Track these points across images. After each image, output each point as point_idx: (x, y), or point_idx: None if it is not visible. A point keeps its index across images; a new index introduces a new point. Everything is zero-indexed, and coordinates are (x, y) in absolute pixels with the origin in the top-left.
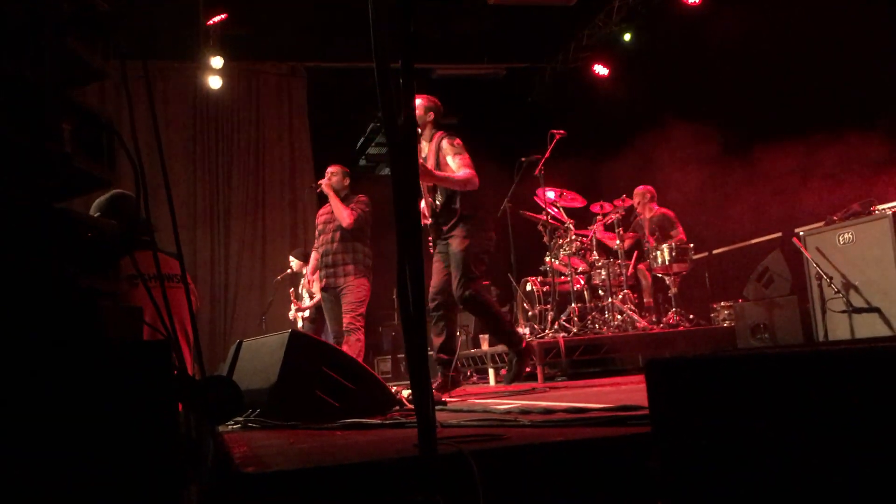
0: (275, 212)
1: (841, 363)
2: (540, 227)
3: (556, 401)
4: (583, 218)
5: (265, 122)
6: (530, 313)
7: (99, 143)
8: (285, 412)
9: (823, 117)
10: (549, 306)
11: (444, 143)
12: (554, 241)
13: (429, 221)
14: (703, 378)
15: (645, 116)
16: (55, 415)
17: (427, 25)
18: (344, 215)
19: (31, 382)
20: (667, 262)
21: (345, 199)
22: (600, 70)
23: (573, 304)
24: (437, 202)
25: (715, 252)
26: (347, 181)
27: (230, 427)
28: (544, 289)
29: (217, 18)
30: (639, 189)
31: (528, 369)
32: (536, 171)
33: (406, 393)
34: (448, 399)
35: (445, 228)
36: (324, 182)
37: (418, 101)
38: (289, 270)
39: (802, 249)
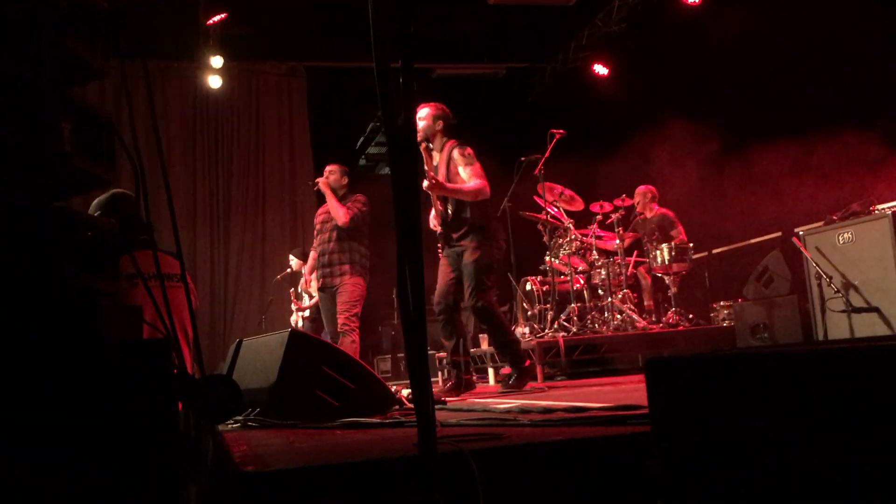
0: (274, 211)
1: (840, 362)
2: (540, 227)
3: (555, 400)
4: (583, 217)
5: (265, 122)
6: (530, 313)
7: (99, 143)
8: (285, 411)
9: (823, 117)
10: (548, 306)
11: (455, 154)
12: (554, 240)
13: (439, 230)
14: (703, 377)
15: (645, 116)
16: (55, 414)
17: (427, 25)
18: (340, 214)
19: (31, 382)
20: (666, 262)
21: (343, 198)
22: (600, 70)
23: (573, 304)
24: (448, 211)
25: (715, 252)
26: (346, 180)
27: (230, 426)
28: (544, 288)
29: (217, 18)
30: (640, 189)
31: (527, 386)
32: (536, 171)
33: (406, 392)
34: (448, 399)
35: (455, 237)
36: (321, 180)
37: (425, 111)
38: (288, 270)
39: (802, 249)
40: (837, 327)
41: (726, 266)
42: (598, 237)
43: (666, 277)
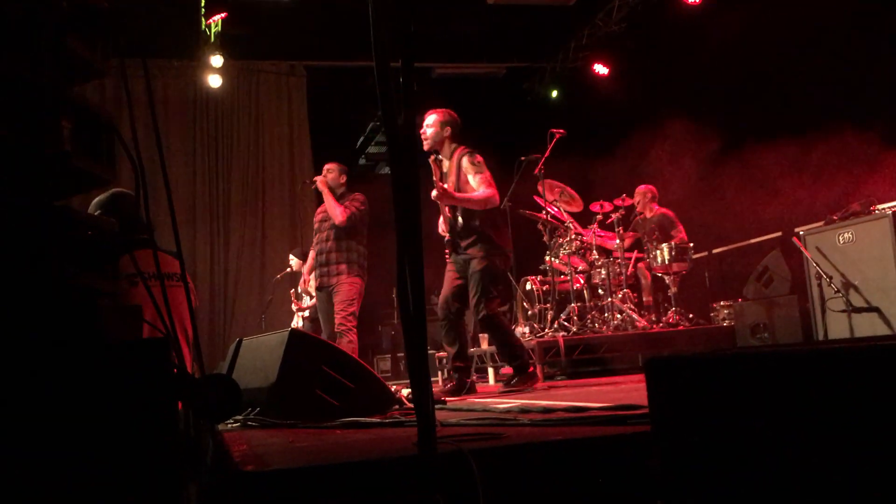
0: (274, 210)
1: (840, 362)
2: (540, 226)
3: (555, 400)
4: (583, 217)
5: (265, 121)
6: (530, 312)
7: (98, 142)
8: (285, 411)
9: (823, 117)
10: (548, 305)
11: (465, 162)
12: (554, 240)
13: (447, 236)
14: (703, 377)
15: (645, 116)
16: (55, 414)
17: (427, 24)
18: (337, 213)
19: (31, 382)
20: (666, 262)
21: (341, 197)
22: (600, 69)
23: (573, 304)
24: (458, 219)
25: (715, 251)
26: (344, 178)
27: (229, 425)
28: (544, 288)
29: (217, 17)
30: (640, 188)
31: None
32: (536, 171)
33: (406, 392)
34: (448, 399)
35: (464, 245)
36: (319, 179)
37: (433, 118)
38: (288, 269)
39: (802, 249)
40: (837, 327)
41: (726, 266)
42: (599, 236)
43: (666, 277)
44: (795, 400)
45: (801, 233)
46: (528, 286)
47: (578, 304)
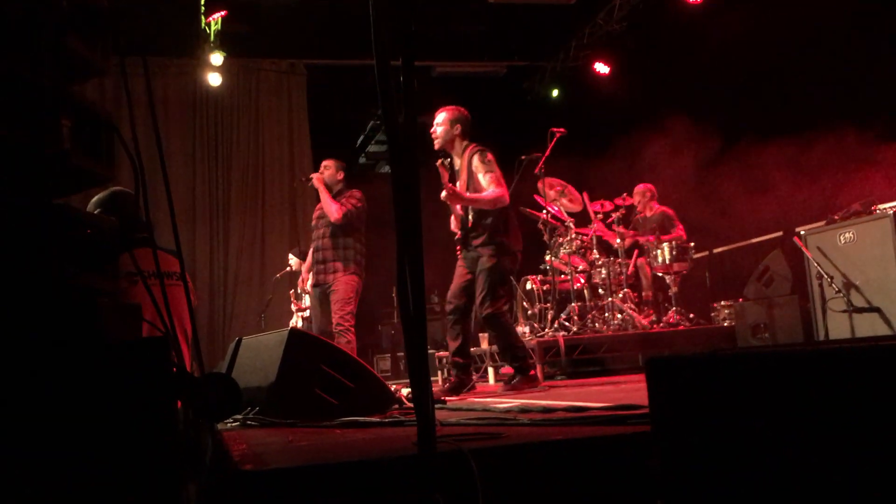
0: (274, 209)
1: (841, 362)
2: (540, 226)
3: (555, 399)
4: (583, 216)
5: (265, 120)
6: (530, 312)
7: (98, 141)
8: (284, 410)
9: (824, 116)
10: (549, 305)
11: (476, 160)
12: (554, 239)
13: (458, 234)
14: (704, 377)
15: (646, 115)
16: (54, 414)
17: (427, 23)
18: (332, 210)
19: (31, 381)
20: (667, 261)
21: (338, 194)
22: (601, 68)
23: (573, 303)
24: (469, 218)
25: (715, 251)
26: (342, 175)
27: (229, 425)
28: (544, 287)
29: (217, 15)
30: (639, 187)
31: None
32: (536, 170)
33: (405, 391)
34: (448, 399)
35: (475, 243)
36: (315, 175)
37: (442, 116)
38: (288, 268)
39: (803, 249)
40: (838, 327)
41: (727, 266)
42: (603, 229)
43: (666, 276)
44: (796, 400)
45: (802, 233)
46: (529, 285)
47: (579, 303)
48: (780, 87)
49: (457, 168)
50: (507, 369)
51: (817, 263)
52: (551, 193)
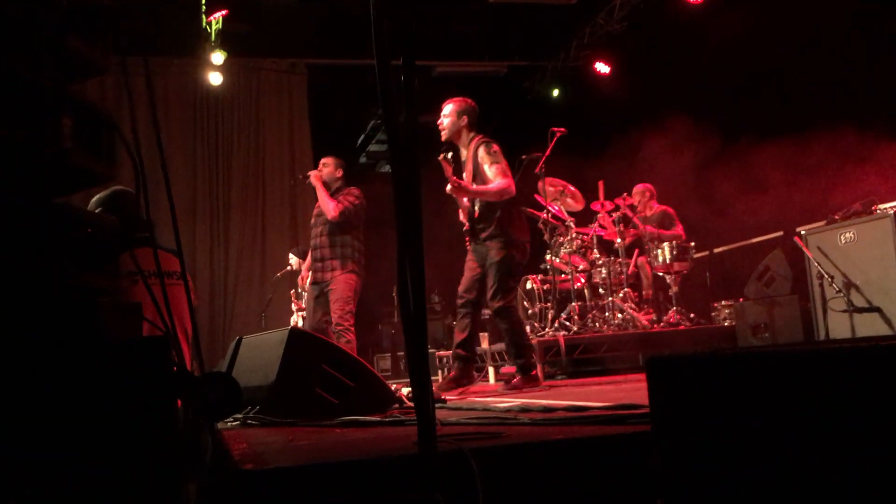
0: (274, 209)
1: (841, 362)
2: (540, 225)
3: (555, 399)
4: (584, 215)
5: (265, 119)
6: (530, 311)
7: (99, 139)
8: (284, 409)
9: (825, 116)
10: (549, 304)
11: (481, 151)
12: (554, 238)
13: (466, 226)
14: (704, 376)
15: (646, 115)
16: (54, 414)
17: (428, 23)
18: (329, 208)
19: (31, 381)
20: (667, 261)
21: (337, 191)
22: (602, 68)
23: (573, 303)
24: (476, 209)
25: (716, 251)
26: (340, 173)
27: (229, 424)
28: (545, 287)
29: (217, 15)
30: (638, 187)
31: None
32: (537, 169)
33: (406, 390)
34: (448, 397)
35: (483, 236)
36: (313, 173)
37: (449, 107)
38: (288, 268)
39: (804, 248)
40: (839, 327)
41: (727, 265)
42: (602, 227)
43: (667, 276)
44: (796, 400)
45: (803, 232)
46: (529, 285)
47: (579, 303)
48: (780, 86)
49: (463, 159)
50: (507, 369)
51: (818, 263)
52: (551, 191)
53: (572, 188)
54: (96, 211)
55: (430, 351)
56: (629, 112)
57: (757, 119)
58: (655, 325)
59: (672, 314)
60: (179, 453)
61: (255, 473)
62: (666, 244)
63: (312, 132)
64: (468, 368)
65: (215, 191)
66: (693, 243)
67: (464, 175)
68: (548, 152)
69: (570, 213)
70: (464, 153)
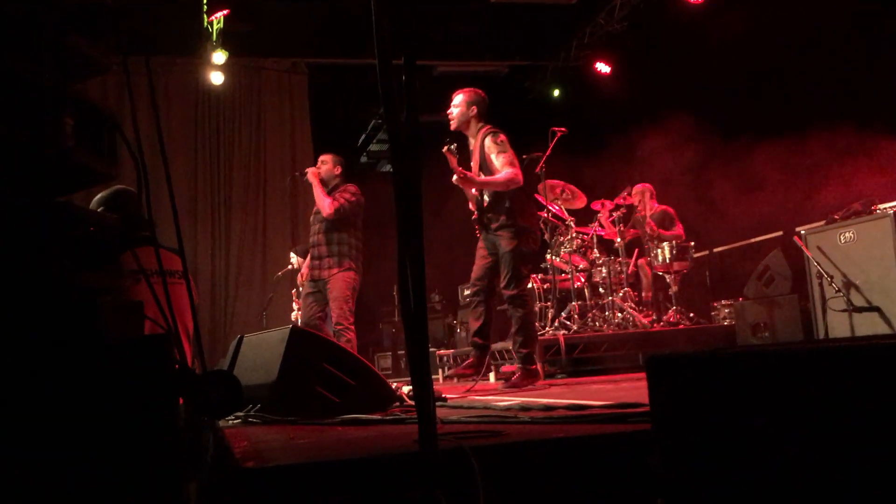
0: (275, 208)
1: (840, 361)
2: (541, 225)
3: (556, 398)
4: (584, 214)
5: (266, 119)
6: None
7: (101, 138)
8: (286, 408)
9: (825, 116)
10: (549, 304)
11: (488, 141)
12: (555, 238)
13: (475, 216)
14: (704, 375)
15: (646, 114)
16: (54, 414)
17: (429, 23)
18: (325, 205)
19: (31, 381)
20: (667, 261)
21: (334, 189)
22: (602, 68)
23: (574, 302)
24: (485, 199)
25: (716, 250)
26: (339, 170)
27: (230, 422)
28: (545, 286)
29: (219, 14)
30: (637, 187)
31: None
32: (538, 169)
33: (406, 389)
34: (448, 395)
35: (494, 226)
36: (311, 170)
37: (459, 97)
38: (289, 267)
39: (803, 248)
40: (838, 327)
41: (727, 265)
42: (602, 227)
43: (667, 276)
44: (796, 398)
45: (803, 232)
46: (529, 284)
47: (579, 302)
48: (780, 86)
49: (471, 149)
50: (507, 368)
51: (817, 263)
52: (552, 193)
53: (572, 187)
54: (98, 210)
55: (431, 350)
56: (629, 112)
57: (757, 119)
58: (655, 325)
59: (672, 314)
60: (180, 452)
61: (257, 471)
62: (666, 244)
63: (313, 132)
64: (484, 356)
65: (216, 190)
66: (693, 243)
67: (471, 164)
68: (548, 152)
69: (571, 213)
70: (472, 143)
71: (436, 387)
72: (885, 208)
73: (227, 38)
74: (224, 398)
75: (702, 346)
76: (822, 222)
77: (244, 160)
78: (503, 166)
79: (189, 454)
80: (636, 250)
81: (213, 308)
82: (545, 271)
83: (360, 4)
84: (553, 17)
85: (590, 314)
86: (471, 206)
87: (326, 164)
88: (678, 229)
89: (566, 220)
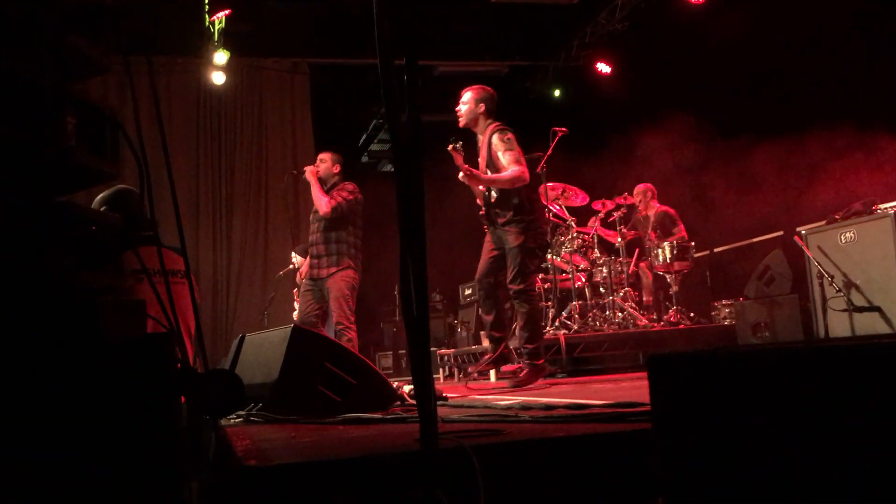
0: (277, 208)
1: (841, 360)
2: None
3: (556, 397)
4: (585, 214)
5: (267, 119)
6: None
7: (103, 138)
8: (287, 406)
9: (826, 116)
10: (550, 303)
11: (495, 139)
12: (556, 238)
13: (482, 211)
14: (705, 374)
15: (647, 114)
16: (55, 413)
17: (429, 23)
18: (322, 203)
19: (32, 381)
20: (668, 260)
21: (333, 187)
22: (603, 68)
23: (574, 302)
24: (492, 194)
25: (716, 250)
26: (338, 168)
27: (232, 421)
28: (545, 286)
29: (220, 14)
30: (639, 187)
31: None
32: (539, 169)
33: (407, 388)
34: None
35: (501, 222)
36: (309, 168)
37: (468, 95)
38: (291, 266)
39: (804, 248)
40: (839, 326)
41: (728, 265)
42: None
43: (667, 276)
44: (796, 398)
45: (803, 232)
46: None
47: (580, 302)
48: (781, 86)
49: (479, 146)
50: (508, 367)
51: (818, 263)
52: (552, 194)
53: (573, 188)
54: (100, 209)
55: (432, 349)
56: (630, 112)
57: (757, 118)
58: (655, 325)
59: (672, 313)
60: (181, 451)
61: (258, 470)
62: (666, 244)
63: (315, 131)
64: (506, 348)
65: (218, 189)
66: (693, 243)
67: (479, 160)
68: (549, 152)
69: (572, 211)
70: (480, 139)
71: (436, 386)
72: (885, 208)
73: (229, 38)
74: (225, 397)
75: (702, 346)
76: (823, 222)
77: (245, 160)
78: (510, 164)
79: (191, 453)
80: (637, 250)
81: (214, 307)
82: (546, 271)
83: (361, 4)
84: (554, 16)
85: (590, 314)
86: (478, 201)
87: (325, 162)
88: (680, 230)
89: (567, 220)
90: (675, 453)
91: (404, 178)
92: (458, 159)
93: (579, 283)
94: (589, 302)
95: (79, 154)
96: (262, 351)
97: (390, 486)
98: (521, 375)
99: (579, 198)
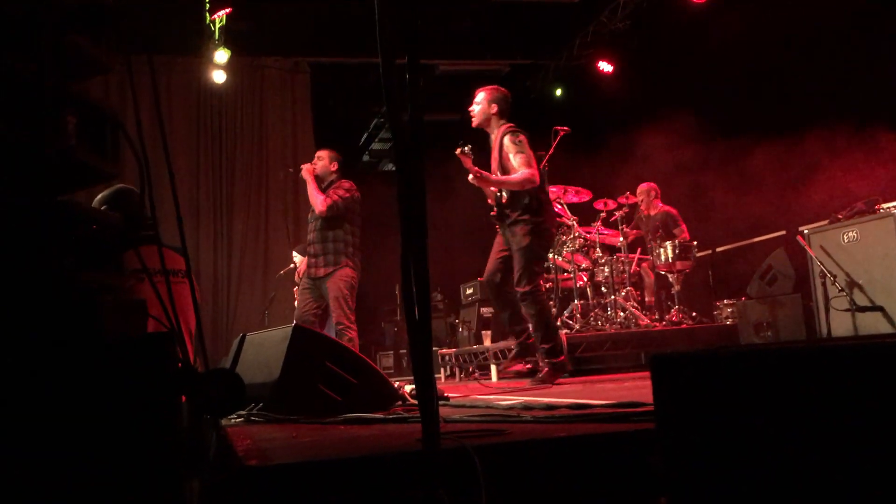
0: (277, 207)
1: (844, 359)
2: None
3: (558, 397)
4: (587, 214)
5: (268, 118)
6: None
7: (103, 137)
8: (288, 406)
9: (827, 115)
10: (552, 303)
11: (507, 140)
12: (557, 237)
13: (494, 212)
14: (708, 374)
15: (649, 113)
16: (56, 413)
17: (431, 22)
18: (317, 202)
19: (32, 381)
20: (670, 260)
21: (330, 185)
22: (605, 67)
23: (576, 301)
24: (503, 195)
25: (718, 250)
26: (335, 166)
27: (233, 420)
28: (547, 285)
29: (221, 13)
30: (642, 186)
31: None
32: (540, 167)
33: (409, 388)
34: (451, 395)
35: (509, 221)
36: (306, 166)
37: (481, 95)
38: (291, 265)
39: (806, 247)
40: (841, 326)
41: (730, 264)
42: (602, 233)
43: (669, 275)
44: (799, 397)
45: (806, 231)
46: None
47: (581, 301)
48: (783, 85)
49: (491, 146)
50: (517, 366)
51: (820, 262)
52: (554, 194)
53: (573, 189)
54: (101, 209)
55: (433, 349)
56: (632, 111)
57: (759, 118)
58: (658, 324)
59: (674, 313)
60: (182, 451)
61: (259, 469)
62: (668, 243)
63: (315, 130)
64: (526, 342)
65: (218, 189)
66: (695, 242)
67: (490, 161)
68: (551, 151)
69: (574, 209)
70: (492, 139)
71: (438, 385)
72: (888, 208)
73: (229, 37)
74: (226, 397)
75: (704, 346)
76: (826, 221)
77: (246, 159)
78: (520, 166)
79: (191, 453)
80: (638, 249)
81: (215, 307)
82: (548, 271)
83: (362, 3)
84: (555, 15)
85: (592, 313)
86: (490, 202)
87: (322, 159)
88: (682, 230)
89: (569, 220)
90: (677, 453)
91: (406, 178)
92: (468, 162)
93: (581, 282)
94: (591, 301)
95: (79, 153)
96: (263, 350)
97: (392, 486)
98: (541, 375)
99: (580, 195)
